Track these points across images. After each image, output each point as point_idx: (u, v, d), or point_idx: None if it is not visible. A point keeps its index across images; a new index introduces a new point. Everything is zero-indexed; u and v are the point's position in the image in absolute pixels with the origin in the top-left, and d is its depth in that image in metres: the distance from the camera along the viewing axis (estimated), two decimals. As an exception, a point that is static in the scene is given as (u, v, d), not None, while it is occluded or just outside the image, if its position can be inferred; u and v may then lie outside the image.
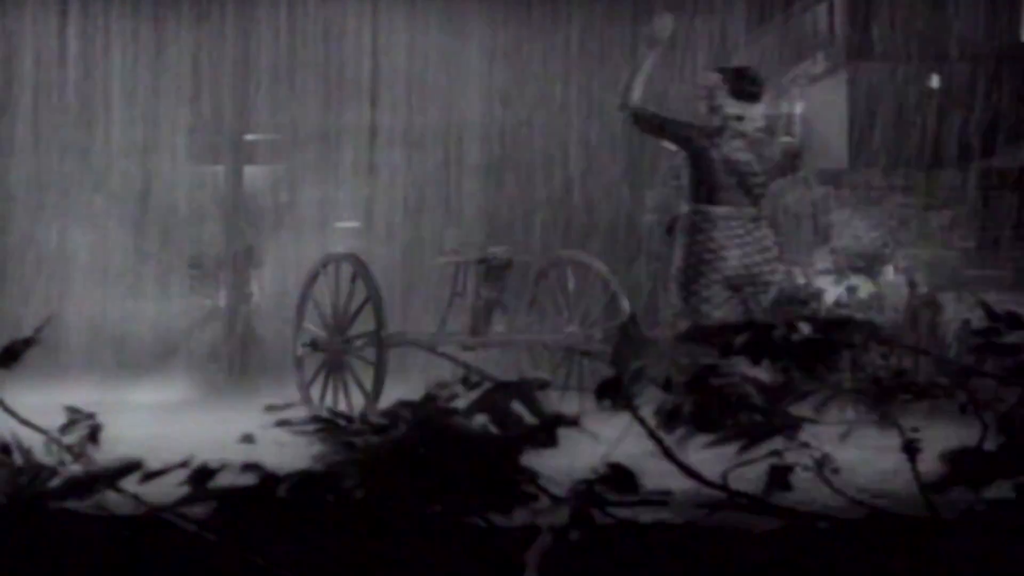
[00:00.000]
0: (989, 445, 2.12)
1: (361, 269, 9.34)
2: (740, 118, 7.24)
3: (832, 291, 11.77)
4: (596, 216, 14.35)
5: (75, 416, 2.18)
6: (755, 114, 7.26)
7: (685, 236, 7.21)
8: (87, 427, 2.17)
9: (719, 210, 7.17)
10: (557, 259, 10.24)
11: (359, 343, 9.26)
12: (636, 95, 7.31)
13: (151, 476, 2.01)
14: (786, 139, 7.50)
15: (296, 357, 9.71)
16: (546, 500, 1.95)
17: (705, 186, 7.20)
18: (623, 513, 2.04)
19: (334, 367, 9.35)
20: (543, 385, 2.07)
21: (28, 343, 2.22)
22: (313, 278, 9.77)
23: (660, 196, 14.74)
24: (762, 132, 7.43)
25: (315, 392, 9.44)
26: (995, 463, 2.07)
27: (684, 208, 7.29)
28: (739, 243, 7.14)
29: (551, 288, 9.85)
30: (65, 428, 2.17)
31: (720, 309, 7.01)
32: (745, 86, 7.24)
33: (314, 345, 9.52)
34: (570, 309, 9.62)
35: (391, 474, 1.94)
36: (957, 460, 2.07)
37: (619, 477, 1.95)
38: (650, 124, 7.41)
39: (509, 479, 1.91)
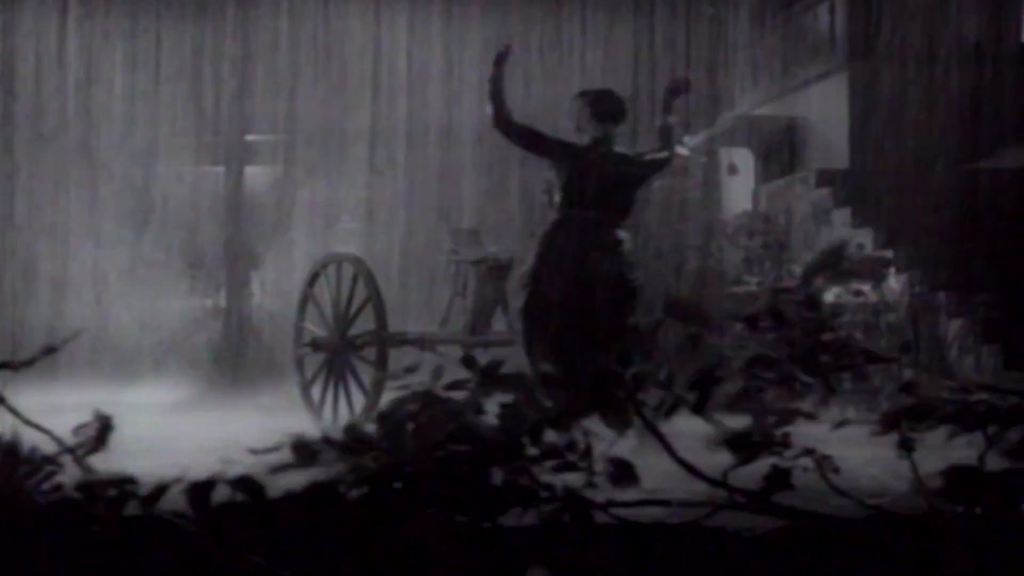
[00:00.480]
0: (989, 460, 2.13)
1: (362, 269, 9.33)
2: (605, 138, 7.63)
3: (834, 292, 11.78)
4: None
5: (96, 418, 2.19)
6: (618, 133, 7.68)
7: (543, 237, 7.67)
8: (98, 428, 2.17)
9: (579, 214, 7.45)
10: None
11: (360, 343, 9.25)
12: (508, 111, 7.74)
13: (151, 498, 2.01)
14: (658, 155, 7.82)
15: (297, 358, 9.70)
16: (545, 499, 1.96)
17: (573, 200, 7.60)
18: (624, 513, 2.05)
19: (335, 368, 9.34)
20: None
21: (49, 352, 2.23)
22: (314, 278, 9.76)
23: (661, 193, 14.73)
24: (627, 149, 7.75)
25: (315, 392, 9.43)
26: (993, 484, 2.07)
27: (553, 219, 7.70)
28: (582, 242, 7.47)
29: None
30: (79, 429, 2.18)
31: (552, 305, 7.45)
32: (606, 108, 7.66)
33: (314, 345, 9.52)
34: None
35: (392, 477, 1.94)
36: (956, 479, 2.08)
37: (617, 470, 1.95)
38: (525, 139, 7.85)
39: (511, 477, 1.92)
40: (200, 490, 2.01)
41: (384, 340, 8.95)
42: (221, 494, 2.03)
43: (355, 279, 9.35)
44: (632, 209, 7.76)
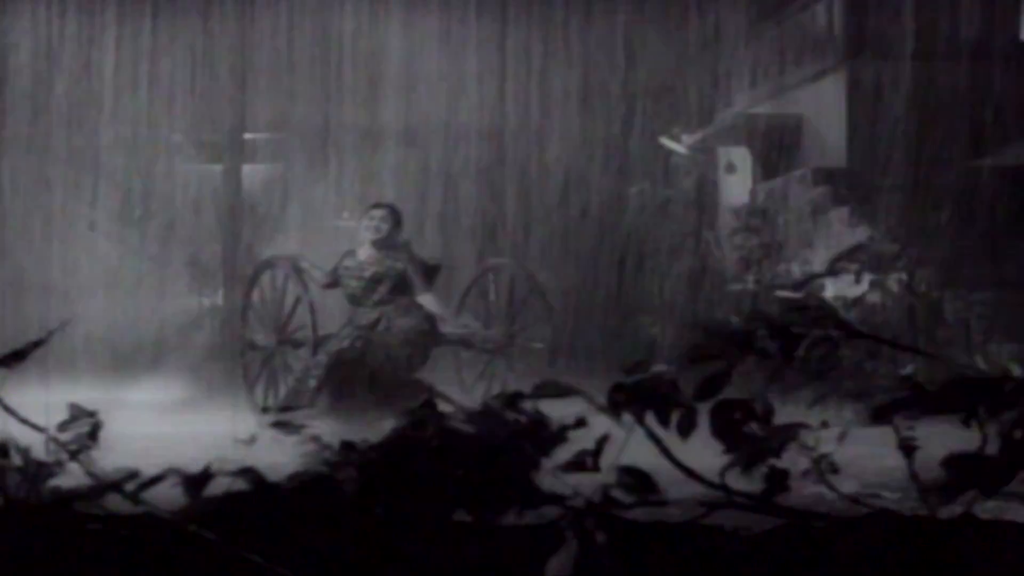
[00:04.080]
0: (990, 450, 2.12)
1: (295, 273, 9.46)
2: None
3: (851, 291, 11.81)
4: (579, 215, 14.41)
5: (76, 414, 2.18)
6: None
7: None
8: (87, 425, 2.16)
9: None
10: (486, 264, 10.54)
11: (292, 344, 9.44)
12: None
13: (147, 484, 2.01)
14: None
15: (242, 360, 9.98)
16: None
17: None
18: (622, 513, 2.04)
19: (273, 367, 9.54)
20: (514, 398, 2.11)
21: (37, 345, 2.22)
22: (252, 282, 9.96)
23: (648, 195, 14.75)
24: None
25: (259, 391, 9.67)
26: (998, 469, 2.06)
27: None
28: None
29: (482, 291, 10.08)
30: (65, 425, 2.17)
31: None
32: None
33: (252, 347, 9.74)
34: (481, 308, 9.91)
35: (395, 474, 1.94)
36: (960, 467, 2.06)
37: (635, 480, 1.95)
38: None
39: (515, 480, 1.91)
40: (196, 481, 2.00)
41: (317, 341, 9.10)
42: (217, 489, 2.03)
43: (287, 280, 9.50)
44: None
